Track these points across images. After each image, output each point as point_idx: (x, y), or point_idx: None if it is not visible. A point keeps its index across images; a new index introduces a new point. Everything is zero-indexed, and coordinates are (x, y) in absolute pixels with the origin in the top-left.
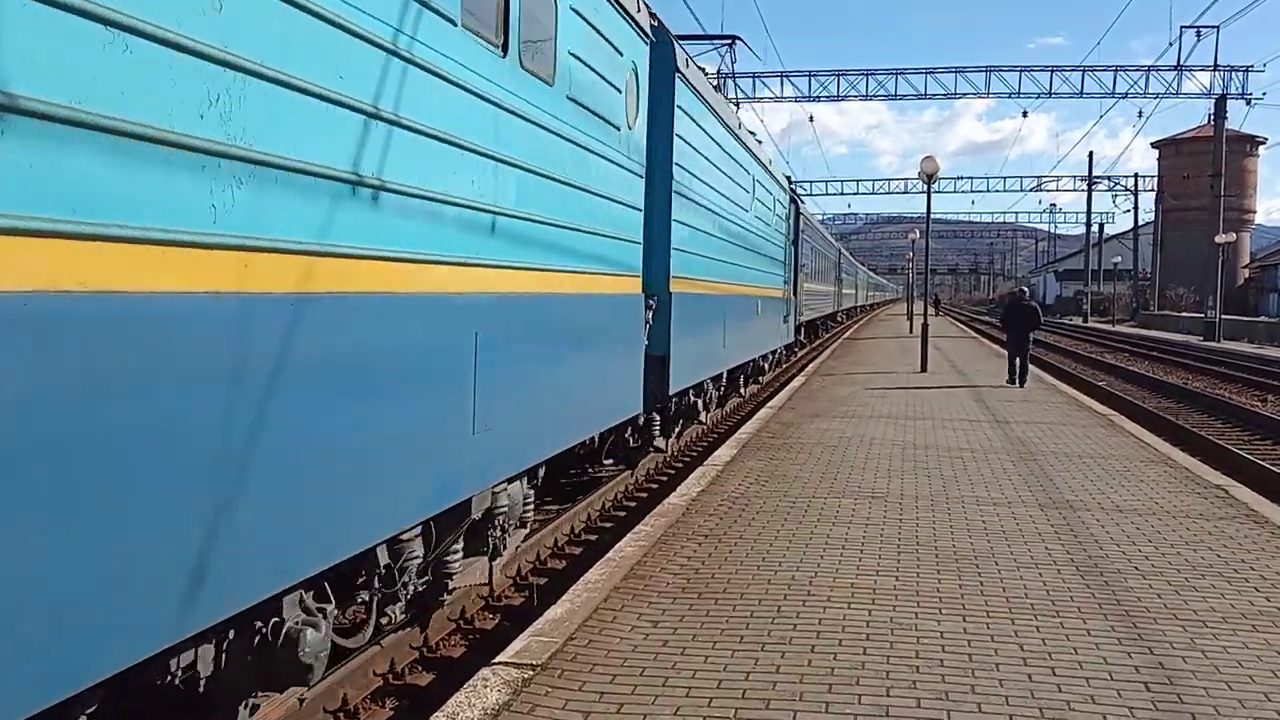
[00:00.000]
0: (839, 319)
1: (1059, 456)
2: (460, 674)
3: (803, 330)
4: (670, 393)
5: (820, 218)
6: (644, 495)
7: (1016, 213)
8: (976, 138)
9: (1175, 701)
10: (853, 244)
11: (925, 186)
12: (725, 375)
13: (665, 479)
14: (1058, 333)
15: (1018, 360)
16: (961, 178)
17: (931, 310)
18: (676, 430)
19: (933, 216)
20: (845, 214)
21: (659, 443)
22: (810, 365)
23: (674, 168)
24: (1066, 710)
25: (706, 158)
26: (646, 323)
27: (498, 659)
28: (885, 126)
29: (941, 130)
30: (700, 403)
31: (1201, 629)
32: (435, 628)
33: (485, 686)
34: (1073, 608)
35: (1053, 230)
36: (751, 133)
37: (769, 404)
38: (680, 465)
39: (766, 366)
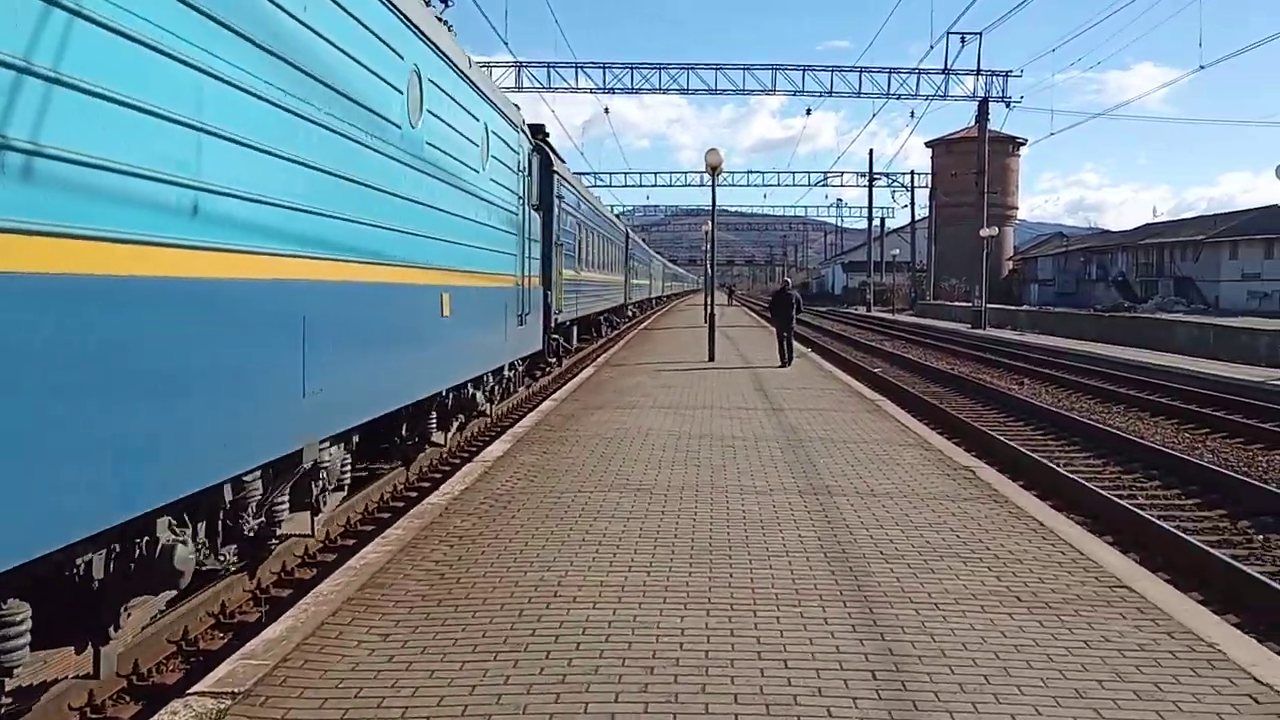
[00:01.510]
0: (629, 312)
1: (825, 442)
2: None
3: (574, 331)
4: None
5: (619, 210)
6: (414, 495)
7: (806, 207)
8: (771, 134)
9: (899, 689)
10: (654, 235)
11: (711, 179)
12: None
13: (441, 475)
14: (843, 321)
15: (783, 342)
16: (754, 171)
17: (725, 300)
18: (458, 424)
19: (730, 209)
20: (645, 205)
21: (437, 438)
22: (602, 356)
23: None
24: (793, 704)
25: None
26: None
27: (193, 688)
28: (686, 121)
29: (738, 126)
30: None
31: (933, 612)
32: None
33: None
34: (815, 596)
35: (840, 224)
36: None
37: (553, 396)
38: (460, 459)
39: (481, 397)
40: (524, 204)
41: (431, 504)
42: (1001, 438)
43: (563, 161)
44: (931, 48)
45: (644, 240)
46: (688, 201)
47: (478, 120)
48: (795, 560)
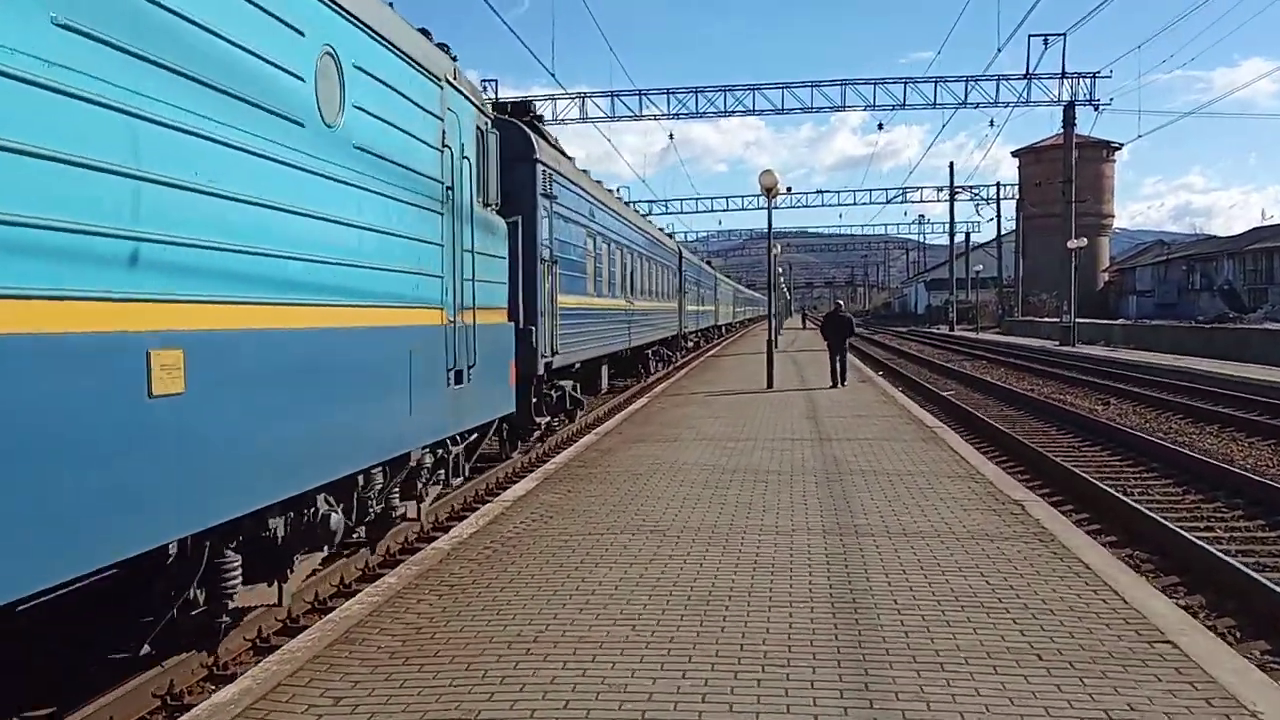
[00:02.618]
0: (688, 342)
1: (867, 475)
2: None
3: (597, 374)
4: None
5: (689, 237)
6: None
7: (886, 225)
8: (853, 151)
9: None
10: (730, 260)
11: (767, 201)
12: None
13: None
14: (922, 341)
15: (837, 363)
16: (826, 191)
17: (800, 324)
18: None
19: (809, 230)
20: (720, 230)
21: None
22: (659, 386)
23: None
24: None
25: None
26: None
27: None
28: (763, 143)
29: (818, 145)
30: None
31: (936, 674)
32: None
33: None
34: (808, 654)
35: (922, 240)
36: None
37: (597, 429)
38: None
39: (336, 519)
40: (465, 201)
41: (436, 549)
42: (1070, 465)
43: (563, 154)
44: (999, 50)
45: (717, 266)
46: (763, 224)
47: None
48: (798, 612)
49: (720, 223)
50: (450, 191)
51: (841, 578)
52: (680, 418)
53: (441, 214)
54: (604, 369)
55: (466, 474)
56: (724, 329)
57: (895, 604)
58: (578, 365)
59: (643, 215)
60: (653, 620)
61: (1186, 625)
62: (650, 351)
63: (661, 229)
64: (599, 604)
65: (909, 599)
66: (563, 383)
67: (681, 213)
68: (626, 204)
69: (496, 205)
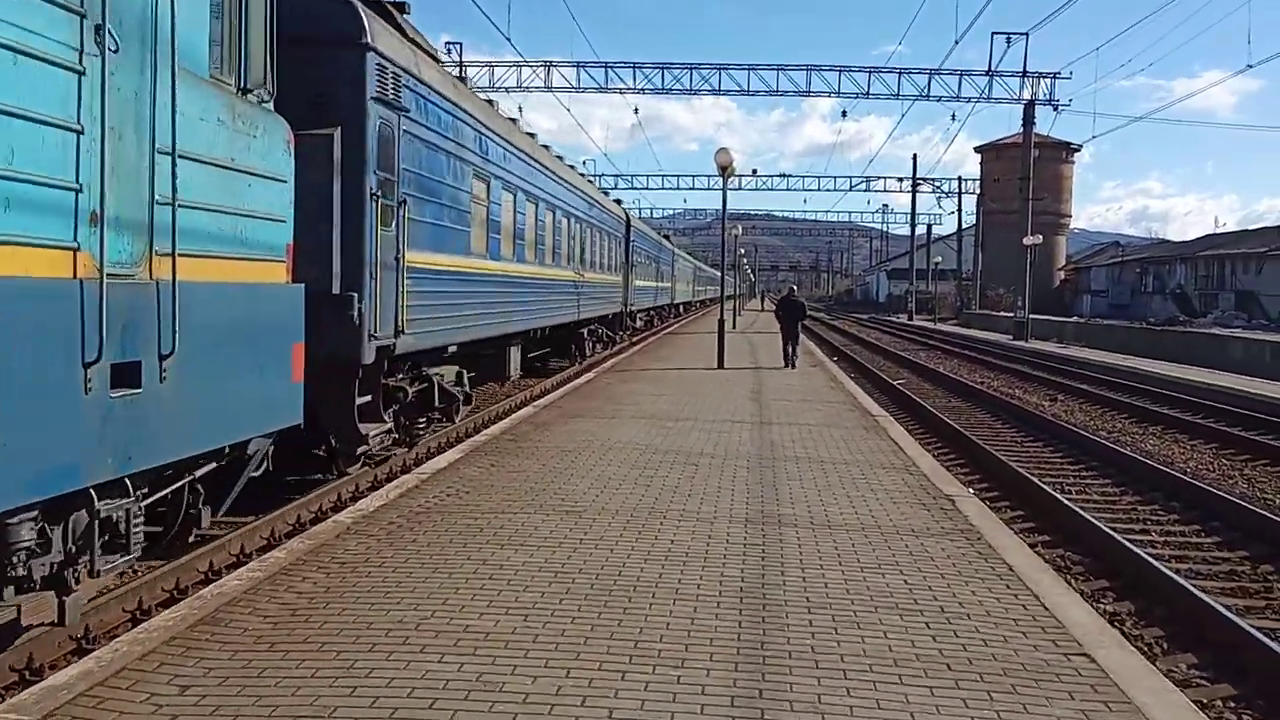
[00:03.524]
0: (634, 320)
1: (801, 462)
2: None
3: (433, 389)
4: None
5: (660, 216)
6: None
7: (851, 212)
8: (822, 139)
9: None
10: (695, 239)
11: (722, 181)
12: None
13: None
14: (881, 329)
15: (789, 346)
16: (789, 175)
17: (760, 306)
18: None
19: (774, 214)
20: (688, 210)
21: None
22: (610, 361)
23: None
24: None
25: None
26: None
27: None
28: (734, 125)
29: (787, 130)
30: None
31: (838, 680)
32: None
33: None
34: (705, 653)
35: (885, 230)
36: None
37: (537, 401)
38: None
39: None
40: (159, 60)
41: (337, 521)
42: (1009, 460)
43: (433, 58)
44: (957, 42)
45: (682, 245)
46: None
47: None
48: (703, 607)
49: (685, 201)
50: (102, 30)
51: (756, 571)
52: (624, 394)
53: (74, 69)
54: (513, 352)
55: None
56: (681, 308)
57: (806, 602)
58: (452, 348)
59: (590, 181)
60: (547, 611)
61: (1106, 637)
62: (586, 330)
63: (608, 195)
64: (494, 590)
65: (821, 597)
66: (434, 371)
67: (647, 188)
68: (582, 173)
69: (269, 94)
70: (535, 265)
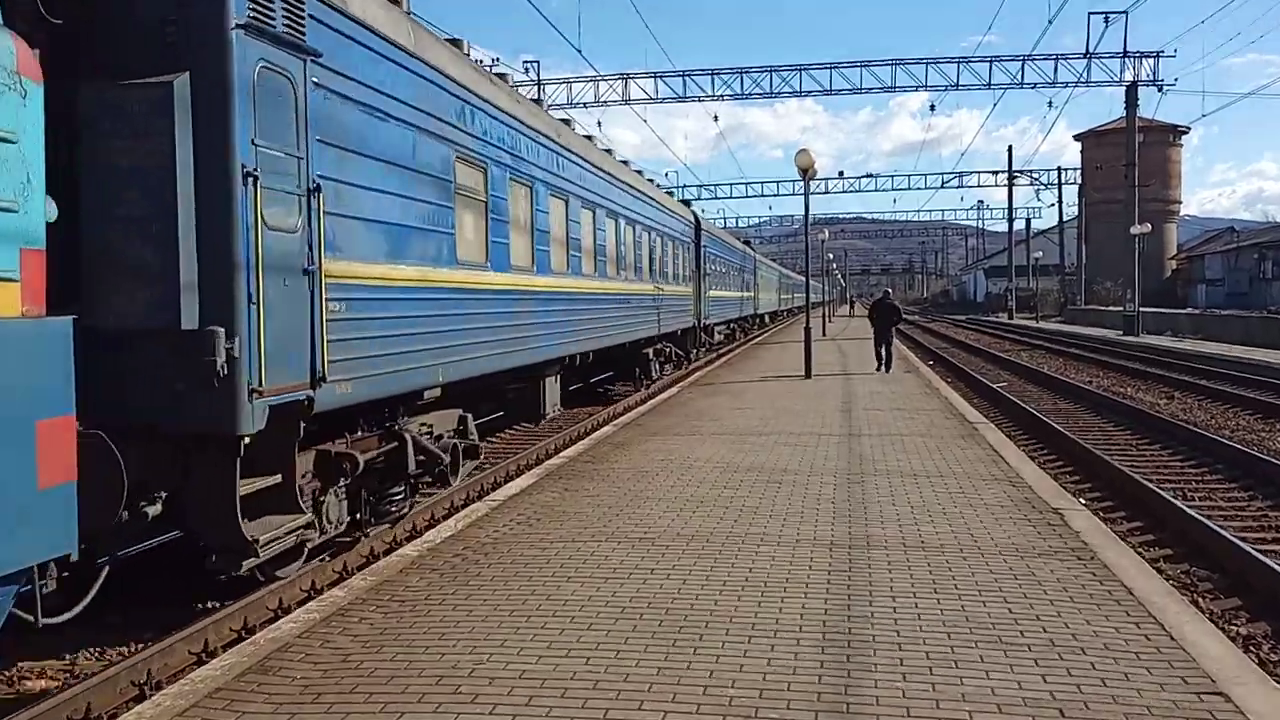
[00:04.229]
0: (711, 335)
1: (893, 477)
2: None
3: (407, 450)
4: None
5: (745, 225)
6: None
7: (944, 210)
8: (912, 136)
9: None
10: (783, 247)
11: (804, 184)
12: None
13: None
14: (980, 330)
15: (882, 350)
16: (875, 175)
17: (850, 312)
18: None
19: (864, 216)
20: (773, 217)
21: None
22: (697, 374)
23: None
24: None
25: None
26: None
27: None
28: (820, 128)
29: (876, 130)
30: None
31: None
32: None
33: None
34: (782, 701)
35: (981, 226)
36: None
37: (617, 420)
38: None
39: None
40: None
41: (402, 555)
42: (1123, 466)
43: None
44: (1050, 22)
45: (770, 254)
46: (817, 210)
47: None
48: (781, 645)
49: (770, 208)
50: None
51: (841, 602)
52: (706, 409)
53: None
54: (548, 385)
55: None
56: (766, 318)
57: (897, 637)
58: (431, 392)
59: (651, 181)
60: (611, 652)
61: (1244, 672)
62: (651, 350)
63: (671, 195)
64: (555, 630)
65: (914, 631)
66: (415, 423)
67: (730, 197)
68: (652, 180)
69: None
70: (567, 277)
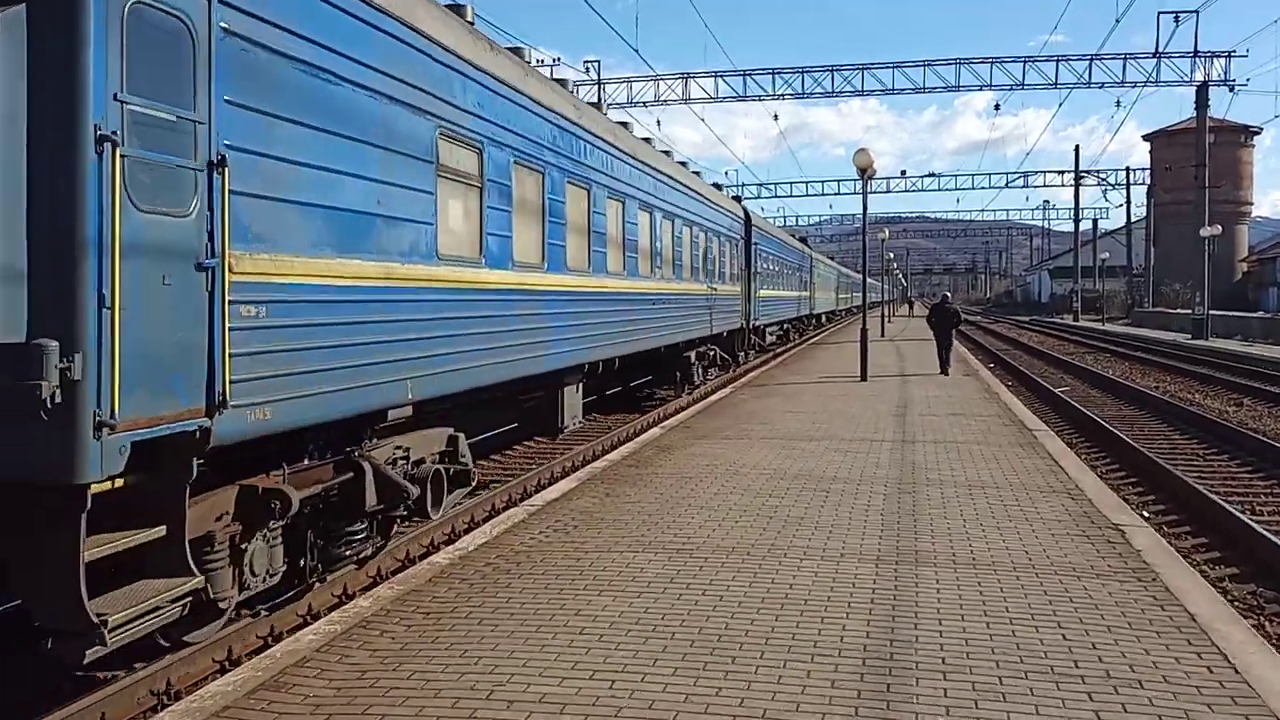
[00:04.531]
0: (762, 337)
1: (945, 487)
2: None
3: (361, 496)
4: None
5: (805, 224)
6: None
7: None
8: (976, 136)
9: None
10: (845, 246)
11: (862, 184)
12: None
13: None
14: (1043, 332)
15: (942, 353)
16: (936, 174)
17: (909, 310)
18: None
19: (926, 215)
20: (834, 216)
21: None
22: (750, 375)
23: None
24: None
25: None
26: None
27: None
28: (883, 127)
29: (940, 129)
30: None
31: None
32: None
33: None
34: None
35: (1046, 226)
36: None
37: (666, 422)
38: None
39: None
40: None
41: (432, 563)
42: (1189, 478)
43: None
44: (1118, 21)
45: (830, 253)
46: (879, 209)
47: None
48: (818, 670)
49: (831, 207)
50: None
51: (883, 622)
52: (756, 411)
53: None
54: (567, 395)
55: None
56: (823, 318)
57: (942, 664)
58: (400, 412)
59: (696, 173)
60: (637, 675)
61: None
62: (693, 354)
63: (719, 189)
64: (582, 648)
65: (960, 658)
66: (388, 447)
67: (790, 196)
68: (683, 162)
69: None
70: (586, 276)
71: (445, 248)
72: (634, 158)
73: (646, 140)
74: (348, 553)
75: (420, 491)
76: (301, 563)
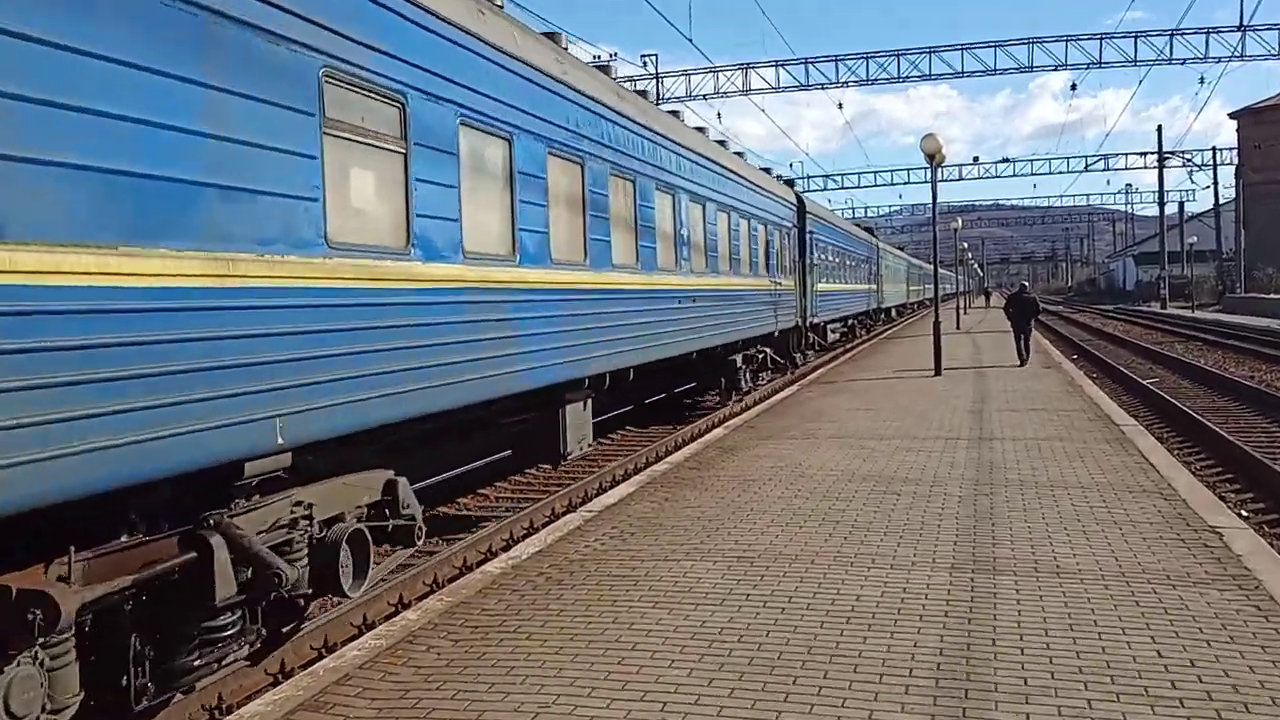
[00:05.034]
0: (823, 335)
1: (1026, 488)
2: None
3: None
4: None
5: (874, 215)
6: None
7: (1089, 195)
8: (1053, 119)
9: None
10: (916, 236)
11: (930, 171)
12: None
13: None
14: (1129, 321)
15: (1021, 341)
16: (1016, 160)
17: (985, 302)
18: None
19: (1001, 203)
20: (909, 205)
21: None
22: (817, 371)
23: None
24: None
25: None
26: None
27: None
28: (954, 113)
29: (1014, 113)
30: None
31: None
32: None
33: None
34: None
35: (1129, 211)
36: None
37: (730, 421)
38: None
39: None
40: None
41: (485, 572)
42: None
43: None
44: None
45: (901, 244)
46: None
47: None
48: (886, 693)
49: (900, 197)
50: None
51: (959, 638)
52: (824, 409)
53: None
54: (569, 413)
55: None
56: (893, 311)
57: (1023, 685)
58: (286, 459)
59: (739, 155)
60: (691, 697)
61: None
62: (740, 357)
63: (769, 173)
64: (633, 667)
65: (1044, 677)
66: (270, 509)
67: (858, 187)
68: (721, 142)
69: None
70: (581, 270)
71: (338, 233)
72: (648, 130)
73: (674, 113)
74: (197, 663)
75: (328, 562)
76: (125, 681)
